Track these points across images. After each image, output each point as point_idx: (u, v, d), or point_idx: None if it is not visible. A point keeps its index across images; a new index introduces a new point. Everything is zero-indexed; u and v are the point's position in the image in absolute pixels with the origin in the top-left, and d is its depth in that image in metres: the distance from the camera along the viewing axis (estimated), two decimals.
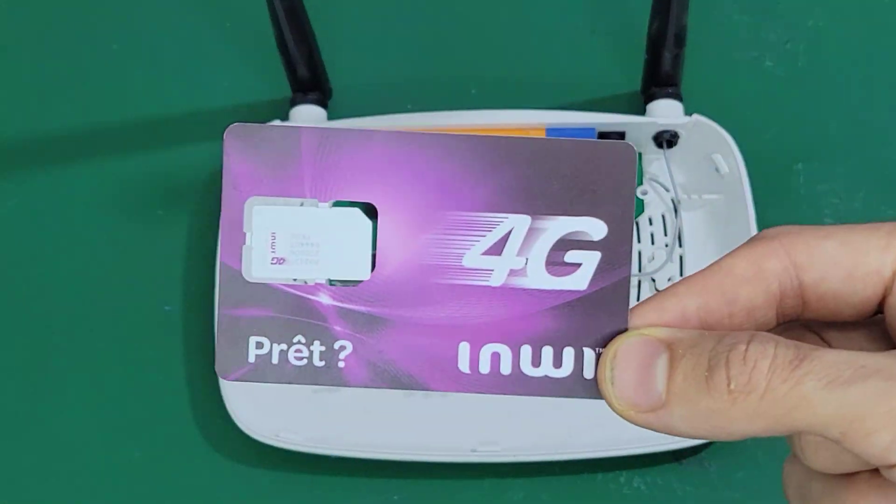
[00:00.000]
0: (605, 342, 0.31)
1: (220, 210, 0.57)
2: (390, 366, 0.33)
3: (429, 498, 0.53)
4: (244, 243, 0.34)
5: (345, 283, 0.33)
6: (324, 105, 0.60)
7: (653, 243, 0.58)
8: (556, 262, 0.33)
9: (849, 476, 0.27)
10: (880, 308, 0.28)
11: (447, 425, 0.53)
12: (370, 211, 0.33)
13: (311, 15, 0.56)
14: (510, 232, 0.33)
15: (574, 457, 0.53)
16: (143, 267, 0.59)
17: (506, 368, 0.33)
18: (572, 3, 0.65)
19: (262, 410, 0.54)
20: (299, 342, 0.33)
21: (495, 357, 0.33)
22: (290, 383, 0.33)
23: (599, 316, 0.32)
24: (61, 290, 0.59)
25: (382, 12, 0.65)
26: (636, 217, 0.58)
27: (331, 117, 0.60)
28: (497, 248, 0.33)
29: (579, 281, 0.32)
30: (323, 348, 0.33)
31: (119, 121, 0.63)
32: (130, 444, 0.55)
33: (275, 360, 0.33)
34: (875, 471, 0.26)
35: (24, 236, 0.60)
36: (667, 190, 0.58)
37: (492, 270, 0.33)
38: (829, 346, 0.29)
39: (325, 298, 0.33)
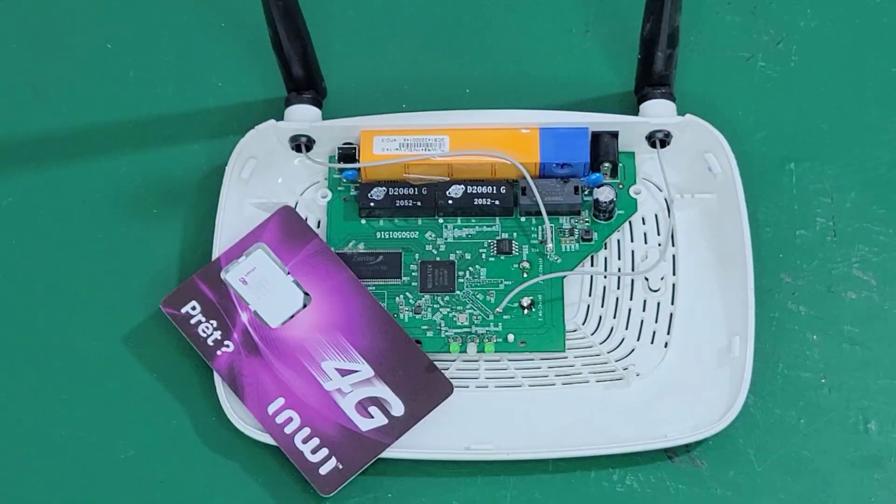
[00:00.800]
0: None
1: (214, 209, 0.58)
2: (239, 374, 0.54)
3: (422, 495, 0.53)
4: (237, 258, 0.56)
5: (261, 319, 0.55)
6: (318, 104, 0.60)
7: (646, 242, 0.58)
8: (365, 405, 0.53)
9: None
10: None
11: (441, 423, 0.54)
12: (308, 296, 0.55)
13: (305, 14, 0.56)
14: (358, 371, 0.54)
15: (567, 455, 0.53)
16: (138, 265, 0.59)
17: (289, 429, 0.53)
18: (566, 3, 0.65)
19: None
20: (210, 323, 0.55)
21: (288, 420, 0.53)
22: (186, 338, 0.55)
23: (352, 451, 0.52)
24: (55, 288, 0.59)
25: (377, 11, 0.66)
26: (629, 216, 0.58)
27: (325, 117, 0.60)
28: (344, 372, 0.54)
29: (365, 424, 0.53)
30: (218, 337, 0.55)
31: (113, 120, 0.63)
32: (124, 443, 0.55)
33: (192, 321, 0.55)
34: None
35: (17, 235, 0.60)
36: (659, 189, 0.59)
37: (331, 380, 0.53)
38: None
39: (244, 316, 0.55)
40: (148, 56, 0.65)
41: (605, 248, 0.58)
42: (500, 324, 0.56)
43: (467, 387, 0.55)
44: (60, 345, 0.57)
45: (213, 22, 0.65)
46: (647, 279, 0.57)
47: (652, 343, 0.56)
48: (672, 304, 0.56)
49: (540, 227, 0.58)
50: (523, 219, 0.58)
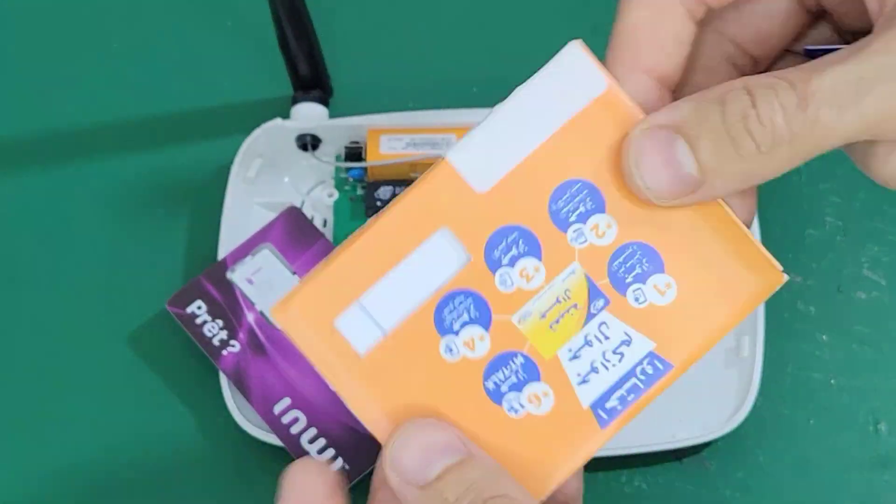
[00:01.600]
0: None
1: (220, 208, 0.58)
2: (244, 374, 0.53)
3: None
4: (243, 258, 0.56)
5: (268, 319, 0.54)
6: (325, 103, 0.60)
7: None
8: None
9: None
10: None
11: None
12: None
13: (312, 12, 0.56)
14: None
15: None
16: (143, 264, 0.59)
17: (295, 429, 0.52)
18: (573, 1, 0.65)
19: None
20: (216, 323, 0.54)
21: (294, 420, 0.52)
22: (191, 338, 0.54)
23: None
24: (60, 287, 0.58)
25: (384, 10, 0.65)
26: None
27: (332, 115, 0.60)
28: None
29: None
30: (224, 337, 0.54)
31: (119, 119, 0.63)
32: (128, 443, 0.55)
33: (197, 321, 0.54)
34: None
35: (22, 235, 0.60)
36: None
37: None
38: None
39: (251, 316, 0.54)
40: (154, 55, 0.64)
41: None
42: None
43: None
44: (65, 344, 0.57)
45: (220, 21, 0.65)
46: None
47: None
48: None
49: None
50: None
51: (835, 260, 0.57)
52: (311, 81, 0.59)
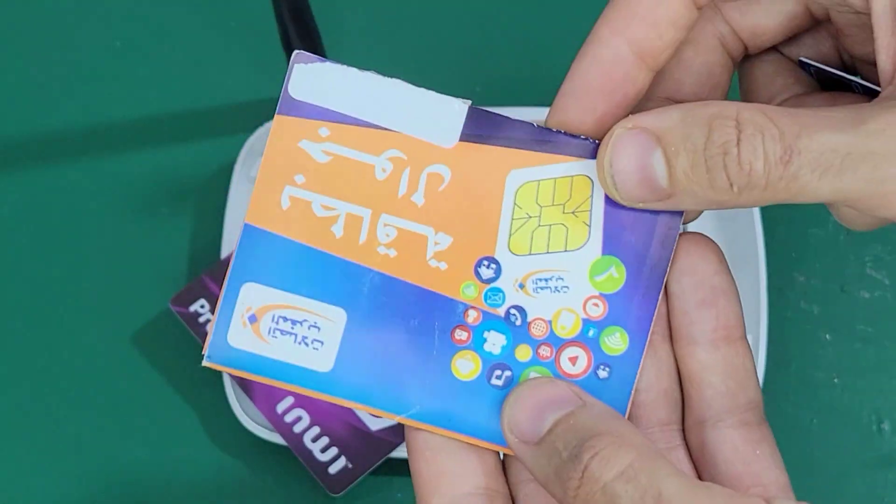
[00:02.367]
0: None
1: (223, 207, 0.58)
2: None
3: None
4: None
5: None
6: None
7: None
8: None
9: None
10: None
11: None
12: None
13: (315, 12, 0.56)
14: None
15: None
16: (147, 263, 0.59)
17: (298, 428, 0.52)
18: (577, 0, 0.65)
19: None
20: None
21: (297, 419, 0.53)
22: (194, 336, 0.54)
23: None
24: (64, 286, 0.59)
25: (387, 10, 0.65)
26: None
27: None
28: None
29: (374, 423, 0.52)
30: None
31: (122, 118, 0.63)
32: (132, 442, 0.55)
33: (200, 320, 0.55)
34: None
35: (27, 234, 0.60)
36: None
37: None
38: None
39: None
40: (157, 54, 0.64)
41: None
42: None
43: None
44: (69, 343, 0.57)
45: (223, 21, 0.65)
46: None
47: None
48: None
49: None
50: None
51: (838, 259, 0.57)
52: None
